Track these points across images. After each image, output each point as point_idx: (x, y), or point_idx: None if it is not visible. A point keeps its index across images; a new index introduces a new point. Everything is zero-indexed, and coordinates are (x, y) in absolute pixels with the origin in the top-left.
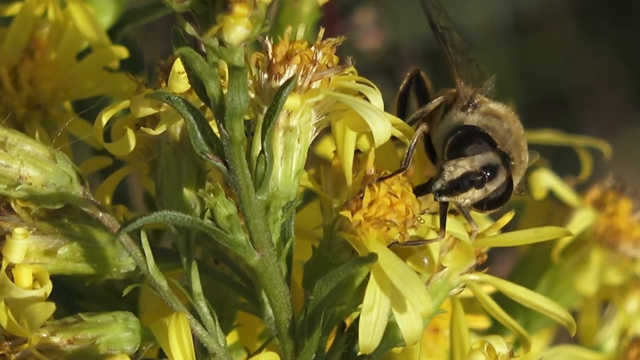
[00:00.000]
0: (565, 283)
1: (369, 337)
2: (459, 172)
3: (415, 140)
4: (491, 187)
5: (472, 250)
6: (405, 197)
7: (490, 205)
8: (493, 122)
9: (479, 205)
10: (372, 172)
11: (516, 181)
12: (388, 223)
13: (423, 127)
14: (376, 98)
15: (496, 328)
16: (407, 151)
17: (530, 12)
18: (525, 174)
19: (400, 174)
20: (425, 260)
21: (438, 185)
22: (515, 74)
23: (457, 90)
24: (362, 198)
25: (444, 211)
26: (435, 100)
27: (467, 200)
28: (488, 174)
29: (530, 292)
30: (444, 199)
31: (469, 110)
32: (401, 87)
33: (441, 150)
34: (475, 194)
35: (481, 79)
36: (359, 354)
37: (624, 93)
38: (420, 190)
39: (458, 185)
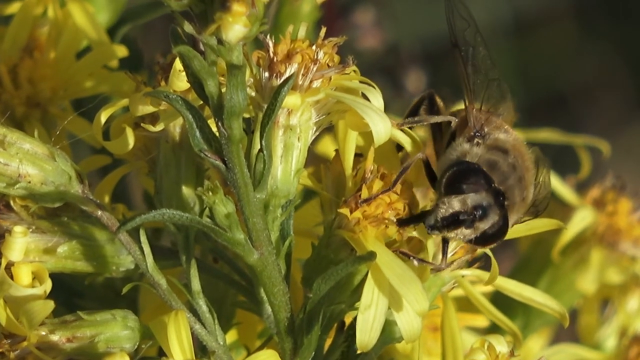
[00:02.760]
0: (565, 282)
1: (366, 334)
2: (450, 211)
3: (407, 166)
4: (482, 226)
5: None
6: (404, 195)
7: (483, 241)
8: (496, 157)
9: (471, 242)
10: (372, 170)
11: (515, 217)
12: (386, 221)
13: (421, 156)
14: (377, 98)
15: (496, 327)
16: (398, 174)
17: (531, 12)
18: (542, 188)
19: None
20: (415, 262)
21: (431, 220)
22: (516, 74)
23: (467, 117)
24: (360, 196)
25: (445, 244)
26: (439, 117)
27: (460, 236)
28: (479, 213)
29: (522, 285)
30: (435, 233)
31: (475, 141)
32: (410, 107)
33: (439, 181)
34: (466, 232)
35: (501, 99)
36: (359, 352)
37: (624, 93)
38: (414, 220)
39: (449, 224)
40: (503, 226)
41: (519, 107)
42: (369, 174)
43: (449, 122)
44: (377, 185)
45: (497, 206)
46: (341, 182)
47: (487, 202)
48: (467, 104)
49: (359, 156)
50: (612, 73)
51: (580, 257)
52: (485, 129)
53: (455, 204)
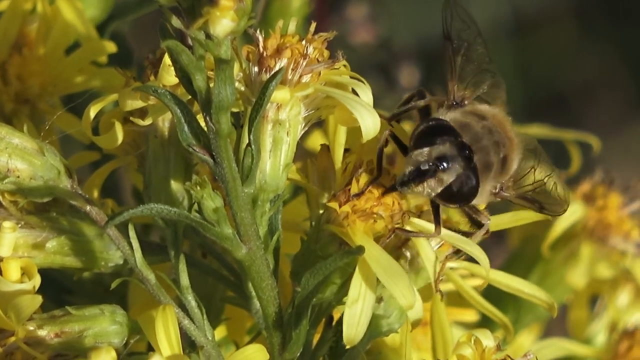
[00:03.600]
0: (555, 277)
1: (353, 328)
2: (414, 163)
3: (381, 145)
4: (447, 178)
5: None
6: (392, 189)
7: (452, 197)
8: (469, 119)
9: (443, 198)
10: (361, 164)
11: (492, 183)
12: (375, 216)
13: (387, 132)
14: (365, 93)
15: (485, 322)
16: (376, 159)
17: (531, 12)
18: (553, 190)
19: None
20: (408, 254)
21: (400, 178)
22: (516, 74)
23: (447, 91)
24: (350, 190)
25: (435, 208)
26: (422, 101)
27: (428, 191)
28: (442, 164)
29: (510, 276)
30: (405, 189)
31: (452, 108)
32: (400, 103)
33: (409, 142)
34: (432, 185)
35: (492, 88)
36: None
37: (624, 92)
38: (392, 188)
39: (414, 177)
40: (471, 183)
41: (519, 107)
42: (358, 169)
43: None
44: (365, 179)
45: (461, 158)
46: (327, 176)
47: (451, 153)
48: (447, 79)
49: (345, 151)
50: (612, 73)
51: (570, 251)
52: (466, 102)
53: (419, 157)
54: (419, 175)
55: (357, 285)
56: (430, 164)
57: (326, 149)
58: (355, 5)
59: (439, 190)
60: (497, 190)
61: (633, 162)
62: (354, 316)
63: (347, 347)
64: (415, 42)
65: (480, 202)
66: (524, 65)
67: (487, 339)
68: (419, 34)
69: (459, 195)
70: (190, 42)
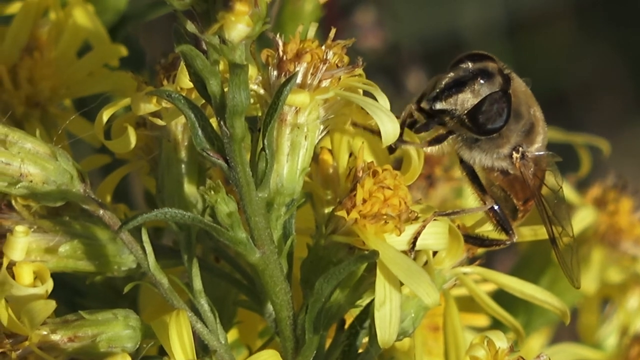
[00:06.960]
0: (565, 281)
1: (386, 331)
2: (453, 76)
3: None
4: (483, 91)
5: (461, 237)
6: (397, 190)
7: (480, 121)
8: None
9: (470, 118)
10: (363, 168)
11: (518, 138)
12: (385, 217)
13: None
14: (383, 99)
15: (496, 326)
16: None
17: (530, 11)
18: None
19: (392, 170)
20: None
21: (433, 93)
22: (515, 74)
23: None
24: (355, 196)
25: (473, 177)
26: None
27: (458, 109)
28: (481, 76)
29: (523, 282)
30: (437, 106)
31: None
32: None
33: None
34: (467, 99)
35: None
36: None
37: (624, 93)
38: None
39: (452, 85)
40: (502, 106)
41: None
42: (361, 173)
43: None
44: (369, 183)
45: (501, 77)
46: (330, 179)
47: (492, 69)
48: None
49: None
50: (612, 73)
51: (581, 256)
52: None
53: (460, 68)
54: (456, 85)
55: (382, 288)
56: (471, 71)
57: (327, 152)
58: (363, 10)
59: (471, 104)
60: (519, 154)
61: (633, 162)
62: (385, 318)
63: (360, 350)
64: (420, 46)
65: (501, 153)
66: (523, 65)
67: (500, 341)
68: (424, 37)
69: (487, 117)
70: (204, 46)
